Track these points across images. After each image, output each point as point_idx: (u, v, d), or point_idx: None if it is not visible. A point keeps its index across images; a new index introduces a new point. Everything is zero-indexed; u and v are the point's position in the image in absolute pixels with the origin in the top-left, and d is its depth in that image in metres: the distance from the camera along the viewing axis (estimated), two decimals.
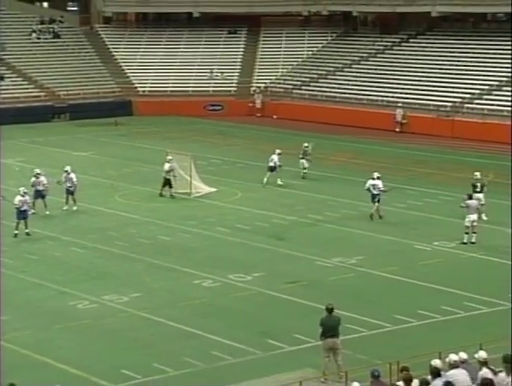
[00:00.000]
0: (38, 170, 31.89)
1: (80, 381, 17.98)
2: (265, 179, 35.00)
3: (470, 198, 27.77)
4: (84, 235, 28.47)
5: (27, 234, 28.16)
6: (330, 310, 18.08)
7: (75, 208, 31.45)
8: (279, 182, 35.03)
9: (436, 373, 12.46)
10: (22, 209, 28.08)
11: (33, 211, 28.98)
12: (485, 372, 13.13)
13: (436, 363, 12.93)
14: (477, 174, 30.43)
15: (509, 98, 46.26)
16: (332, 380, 17.60)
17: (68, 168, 32.26)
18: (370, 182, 30.30)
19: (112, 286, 23.69)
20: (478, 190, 29.74)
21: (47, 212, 30.75)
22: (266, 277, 24.37)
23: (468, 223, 27.22)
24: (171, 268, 25.32)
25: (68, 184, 31.58)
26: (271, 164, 35.14)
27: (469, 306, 22.01)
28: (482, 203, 29.40)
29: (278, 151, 35.32)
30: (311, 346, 19.11)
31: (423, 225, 29.58)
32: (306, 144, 36.65)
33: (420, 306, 21.92)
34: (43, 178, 31.23)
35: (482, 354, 13.82)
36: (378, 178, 30.35)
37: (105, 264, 25.80)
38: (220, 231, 29.01)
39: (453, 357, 13.44)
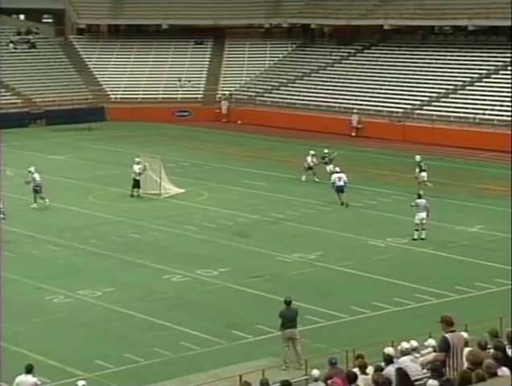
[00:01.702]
0: (32, 168, 31.81)
1: (56, 371, 17.81)
2: (303, 177, 35.59)
3: (419, 197, 27.99)
4: (60, 233, 28.21)
5: None
6: (288, 303, 18.11)
7: (47, 204, 31.25)
8: (316, 179, 35.20)
9: (389, 360, 12.50)
10: None
11: (3, 216, 28.01)
12: None
13: (389, 350, 12.97)
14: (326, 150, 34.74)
15: (456, 104, 46.71)
16: (292, 368, 17.62)
17: (31, 168, 32.10)
18: (336, 175, 31.84)
19: (86, 282, 23.51)
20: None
21: (47, 203, 31.22)
22: (231, 272, 24.34)
23: (417, 221, 27.40)
24: (142, 264, 25.18)
25: (33, 183, 31.59)
26: (306, 165, 35.63)
27: (420, 298, 22.16)
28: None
29: (312, 152, 35.67)
30: (273, 337, 19.11)
31: (377, 223, 29.73)
32: (326, 150, 36.03)
33: (374, 298, 22.02)
34: (36, 175, 31.61)
35: (431, 341, 13.92)
36: (342, 171, 32.05)
37: (79, 260, 25.59)
38: (189, 229, 28.91)
39: (405, 345, 13.50)
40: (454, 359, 11.45)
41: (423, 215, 27.40)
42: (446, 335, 11.58)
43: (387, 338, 16.39)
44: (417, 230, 27.39)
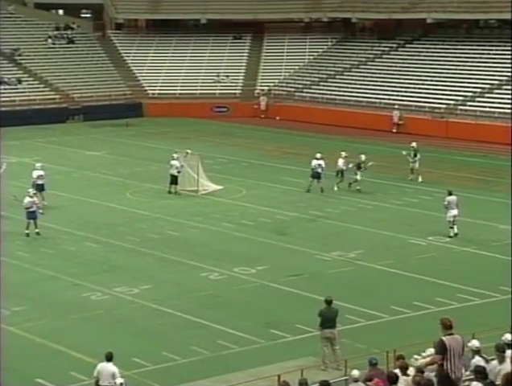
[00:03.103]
0: (39, 165, 31.63)
1: (93, 368, 17.96)
2: (335, 187, 33.32)
3: (450, 194, 27.93)
4: (97, 230, 28.46)
5: (37, 233, 27.67)
6: (329, 302, 18.04)
7: (45, 203, 30.39)
8: (358, 187, 33.15)
9: None
10: (31, 210, 27.63)
11: (41, 211, 28.19)
12: (477, 360, 13.09)
13: (431, 351, 12.89)
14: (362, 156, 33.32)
15: (500, 100, 46.15)
16: (332, 368, 17.58)
17: (38, 164, 31.76)
18: (315, 162, 32.94)
19: (123, 279, 23.68)
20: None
21: (45, 203, 30.39)
22: (269, 270, 24.34)
23: (450, 219, 27.36)
24: (179, 261, 25.30)
25: (40, 181, 31.00)
26: (338, 168, 33.43)
27: (462, 298, 21.97)
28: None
29: (343, 154, 33.67)
30: (312, 336, 19.07)
31: (418, 221, 29.52)
32: (363, 156, 33.82)
33: (415, 298, 21.87)
34: (42, 172, 31.17)
35: (475, 343, 13.79)
36: (322, 158, 33.03)
37: (116, 257, 25.79)
38: (226, 226, 28.97)
39: None
40: (451, 362, 11.54)
41: (455, 212, 27.36)
42: (443, 338, 11.71)
43: (429, 338, 16.22)
44: (451, 227, 27.29)
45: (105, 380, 15.32)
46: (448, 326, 11.77)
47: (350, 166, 33.48)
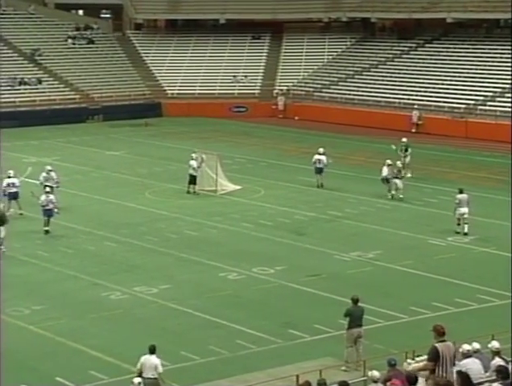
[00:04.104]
0: (49, 167, 31.37)
1: (113, 368, 18.05)
2: (389, 194, 31.96)
3: (461, 192, 27.96)
4: (116, 230, 28.55)
5: (46, 232, 27.46)
6: (356, 301, 18.00)
7: (21, 212, 29.36)
8: (400, 195, 31.97)
9: None
10: (48, 208, 27.69)
11: (56, 210, 27.99)
12: (497, 361, 13.03)
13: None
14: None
15: None
16: (351, 369, 17.54)
17: (48, 167, 31.16)
18: (316, 156, 34.06)
19: (142, 278, 23.75)
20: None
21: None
22: (288, 270, 24.33)
23: (458, 216, 27.50)
24: (198, 261, 25.34)
25: (50, 183, 30.08)
26: (383, 176, 32.07)
27: (482, 299, 21.86)
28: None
29: (388, 162, 32.22)
30: (331, 336, 19.06)
31: (437, 221, 29.40)
32: (400, 163, 32.94)
33: (434, 298, 21.79)
34: (53, 174, 30.59)
35: (495, 344, 13.73)
36: (324, 153, 34.03)
37: (135, 257, 25.86)
38: (245, 226, 28.99)
39: (466, 347, 13.35)
40: (443, 369, 11.73)
41: (465, 210, 27.42)
42: (436, 345, 11.93)
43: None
44: (459, 224, 27.41)
45: (148, 373, 15.54)
46: (440, 333, 12.03)
47: (394, 174, 31.94)
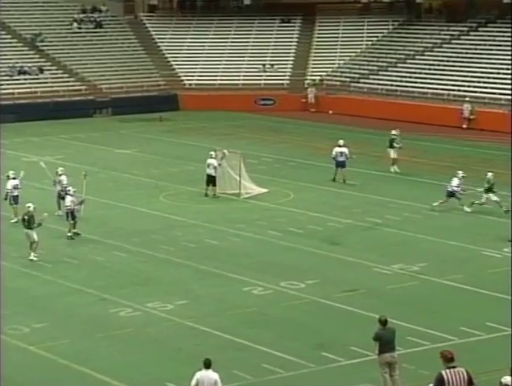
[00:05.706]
0: (61, 169, 31.46)
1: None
2: (466, 207, 30.97)
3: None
4: (127, 238, 28.75)
5: (75, 235, 28.42)
6: (384, 322, 17.92)
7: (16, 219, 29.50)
8: (467, 209, 31.16)
9: None
10: (71, 209, 28.37)
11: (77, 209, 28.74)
12: None
13: (507, 380, 12.80)
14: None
15: None
16: None
17: (59, 169, 31.37)
18: (337, 149, 35.17)
19: (156, 293, 23.89)
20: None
21: (61, 213, 30.23)
22: (321, 285, 24.38)
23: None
24: (219, 274, 25.45)
25: (59, 187, 30.54)
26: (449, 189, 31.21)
27: None
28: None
29: (461, 174, 31.46)
30: (369, 360, 19.04)
31: (492, 230, 29.31)
32: (490, 175, 31.22)
33: (489, 318, 21.72)
34: (63, 178, 30.79)
35: None
36: (345, 145, 35.26)
37: (148, 269, 26.02)
38: (272, 234, 29.08)
39: (507, 380, 13.26)
40: None
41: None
42: (442, 372, 11.98)
43: (504, 364, 16.16)
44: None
45: None
46: (448, 359, 12.09)
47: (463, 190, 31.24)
